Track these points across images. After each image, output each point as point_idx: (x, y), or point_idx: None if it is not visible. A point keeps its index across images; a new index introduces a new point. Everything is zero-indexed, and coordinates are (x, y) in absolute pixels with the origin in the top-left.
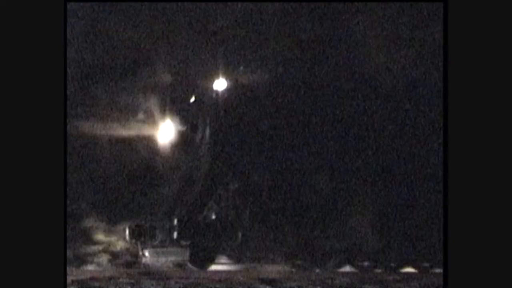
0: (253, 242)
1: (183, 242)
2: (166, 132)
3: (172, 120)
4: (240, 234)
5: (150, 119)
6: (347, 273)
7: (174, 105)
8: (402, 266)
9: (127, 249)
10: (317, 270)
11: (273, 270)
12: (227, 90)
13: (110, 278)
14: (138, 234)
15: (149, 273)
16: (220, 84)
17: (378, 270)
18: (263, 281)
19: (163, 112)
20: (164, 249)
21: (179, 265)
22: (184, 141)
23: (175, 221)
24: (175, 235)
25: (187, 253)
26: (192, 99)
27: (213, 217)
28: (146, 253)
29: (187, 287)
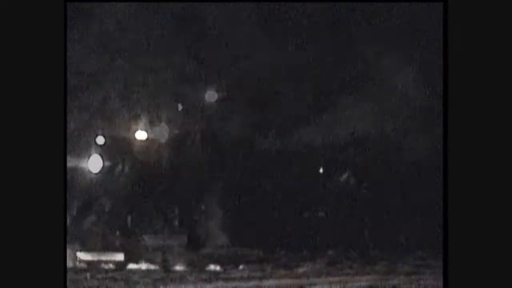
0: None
1: (179, 230)
2: (161, 135)
3: (167, 125)
4: (227, 224)
5: (149, 124)
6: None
7: (169, 112)
8: None
9: None
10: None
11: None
12: (216, 101)
13: None
14: (138, 222)
15: None
16: (209, 96)
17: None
18: None
19: (159, 118)
20: (162, 235)
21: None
22: (177, 144)
23: (176, 211)
24: (176, 223)
25: (185, 239)
26: (180, 107)
27: (203, 209)
28: (145, 238)
29: None
